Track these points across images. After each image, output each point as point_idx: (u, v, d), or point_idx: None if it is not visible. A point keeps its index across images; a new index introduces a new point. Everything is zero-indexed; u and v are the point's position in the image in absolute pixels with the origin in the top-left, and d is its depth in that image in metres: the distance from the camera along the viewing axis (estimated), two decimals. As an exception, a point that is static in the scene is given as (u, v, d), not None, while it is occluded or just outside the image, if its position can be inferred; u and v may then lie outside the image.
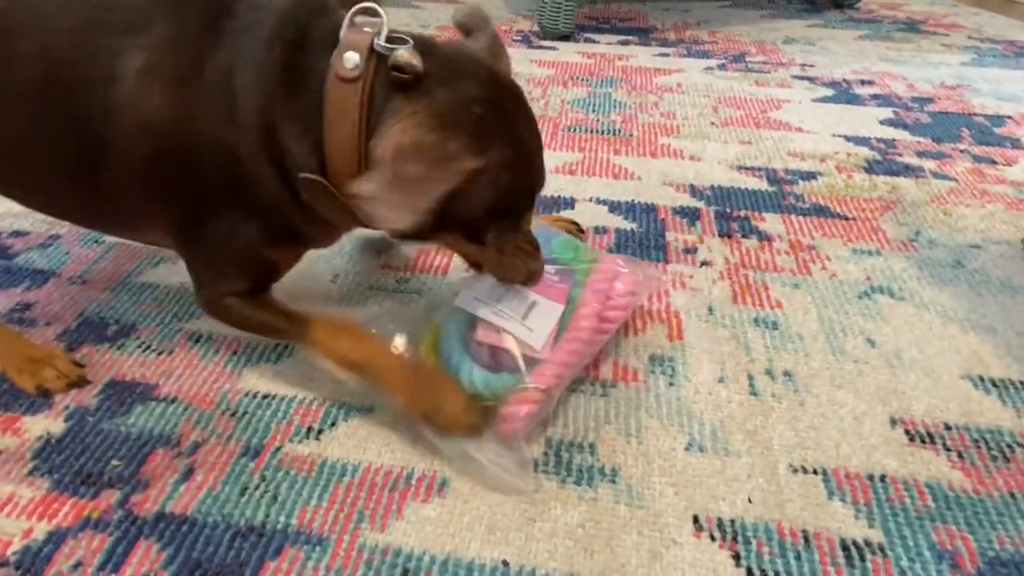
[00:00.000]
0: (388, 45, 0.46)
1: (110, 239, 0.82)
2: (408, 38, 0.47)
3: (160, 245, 0.61)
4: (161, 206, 0.53)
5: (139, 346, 0.67)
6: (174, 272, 0.76)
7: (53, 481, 0.53)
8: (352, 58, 0.46)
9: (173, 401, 0.60)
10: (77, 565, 0.47)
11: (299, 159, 0.48)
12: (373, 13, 0.49)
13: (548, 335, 0.55)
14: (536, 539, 0.49)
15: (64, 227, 0.85)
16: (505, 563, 0.47)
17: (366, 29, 0.48)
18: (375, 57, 0.47)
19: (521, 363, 0.54)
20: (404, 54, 0.45)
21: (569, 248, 0.64)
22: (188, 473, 0.54)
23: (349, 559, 0.48)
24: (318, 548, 0.48)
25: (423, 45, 0.48)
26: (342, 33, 0.48)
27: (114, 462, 0.54)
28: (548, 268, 0.59)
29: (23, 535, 0.49)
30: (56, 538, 0.49)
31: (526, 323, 0.56)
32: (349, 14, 0.48)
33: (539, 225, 0.63)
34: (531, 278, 0.56)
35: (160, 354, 0.66)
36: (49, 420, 0.58)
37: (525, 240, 0.55)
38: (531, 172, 0.51)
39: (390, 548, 0.48)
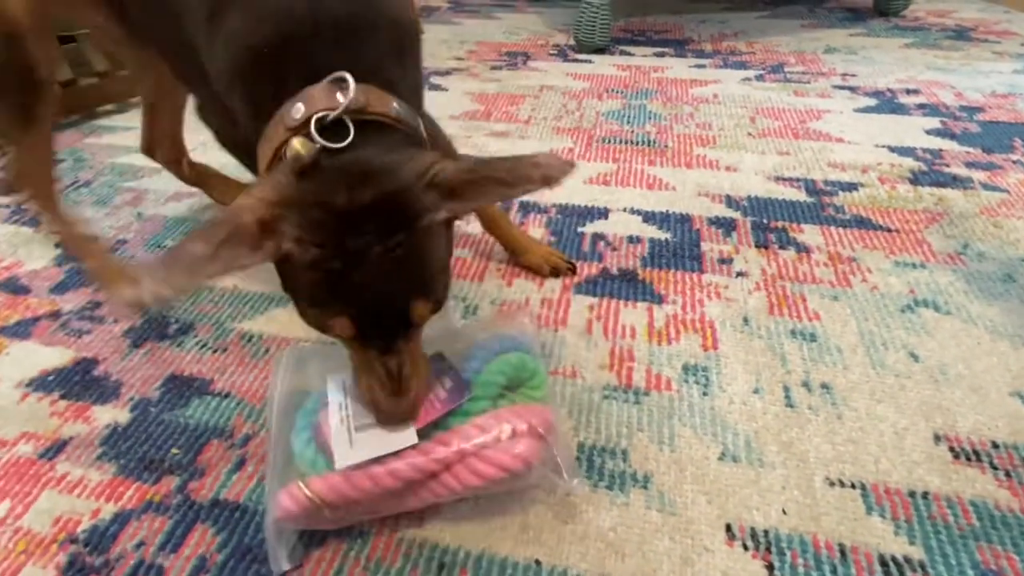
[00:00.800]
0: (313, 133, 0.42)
1: (171, 243, 0.88)
2: (350, 126, 0.42)
3: None
4: None
5: (196, 344, 0.71)
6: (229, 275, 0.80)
7: (119, 466, 0.57)
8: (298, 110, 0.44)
9: (227, 396, 0.64)
10: (140, 544, 0.51)
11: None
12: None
13: (363, 460, 0.45)
14: (568, 540, 0.50)
15: (130, 232, 0.91)
16: (537, 562, 0.49)
17: (320, 107, 0.43)
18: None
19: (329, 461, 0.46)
20: (296, 144, 0.42)
21: (502, 374, 0.50)
22: (240, 463, 0.57)
23: (388, 551, 0.50)
24: (359, 540, 0.51)
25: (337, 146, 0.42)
26: (308, 89, 0.44)
27: (174, 450, 0.58)
28: (447, 380, 0.49)
29: (91, 515, 0.53)
30: (121, 519, 0.53)
31: (355, 436, 0.46)
32: (328, 79, 0.44)
33: (496, 333, 0.53)
34: (379, 417, 0.47)
35: (215, 352, 0.70)
36: (116, 410, 0.63)
37: (382, 365, 0.45)
38: (342, 285, 0.42)
39: (427, 542, 0.50)
